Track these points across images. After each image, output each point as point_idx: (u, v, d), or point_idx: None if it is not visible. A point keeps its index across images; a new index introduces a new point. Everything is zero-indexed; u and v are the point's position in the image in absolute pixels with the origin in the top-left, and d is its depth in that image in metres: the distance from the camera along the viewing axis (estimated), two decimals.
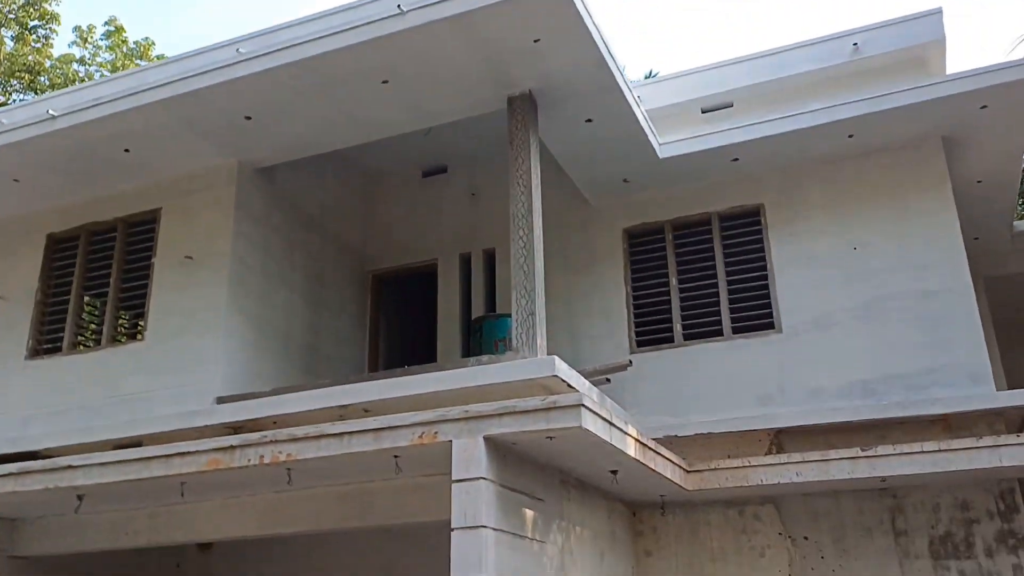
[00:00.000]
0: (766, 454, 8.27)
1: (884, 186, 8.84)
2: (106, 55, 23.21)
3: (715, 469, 7.74)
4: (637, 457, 6.62)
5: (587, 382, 7.50)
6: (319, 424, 6.36)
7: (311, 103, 8.14)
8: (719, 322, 9.02)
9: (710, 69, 11.08)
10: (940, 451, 7.09)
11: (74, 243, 9.51)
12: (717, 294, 9.12)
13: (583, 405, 5.71)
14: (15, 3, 21.73)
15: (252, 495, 7.50)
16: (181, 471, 6.56)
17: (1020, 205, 14.27)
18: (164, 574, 10.01)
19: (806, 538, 8.01)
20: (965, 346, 8.07)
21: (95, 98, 8.42)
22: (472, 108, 8.31)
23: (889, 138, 8.81)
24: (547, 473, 6.79)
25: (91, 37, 23.14)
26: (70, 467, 6.88)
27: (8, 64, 21.04)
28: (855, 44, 10.46)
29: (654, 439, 7.48)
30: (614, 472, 7.05)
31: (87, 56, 23.07)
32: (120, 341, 8.97)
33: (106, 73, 22.06)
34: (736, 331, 8.92)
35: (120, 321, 9.16)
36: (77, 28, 23.05)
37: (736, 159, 9.12)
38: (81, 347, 9.16)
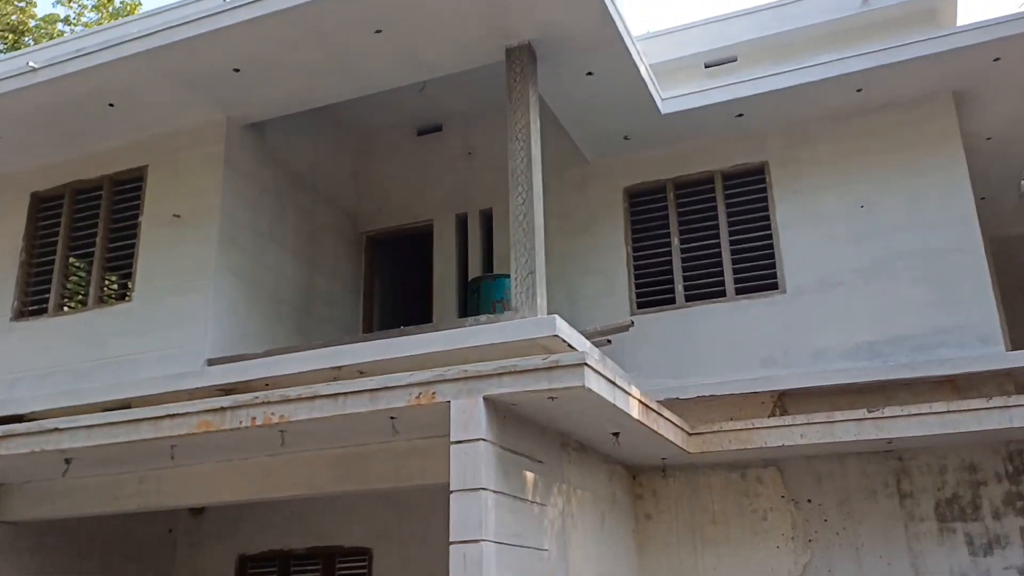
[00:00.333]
0: (769, 416, 8.10)
1: (893, 142, 8.60)
2: (91, 15, 22.72)
3: (717, 431, 7.58)
4: (640, 419, 6.45)
5: (588, 343, 7.31)
6: (313, 385, 6.16)
7: (302, 54, 7.84)
8: (722, 283, 8.82)
9: (714, 22, 10.75)
10: (949, 412, 6.93)
11: (59, 202, 9.24)
12: (720, 254, 8.91)
13: (586, 364, 5.52)
14: None
15: (244, 459, 7.32)
16: (171, 433, 6.36)
17: None
18: (156, 539, 9.87)
19: (809, 501, 7.88)
20: (974, 306, 7.90)
21: (77, 50, 8.11)
22: (469, 60, 8.02)
23: (898, 93, 8.55)
24: (547, 435, 6.61)
25: None
26: (56, 430, 6.67)
27: None
28: None
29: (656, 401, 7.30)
30: (616, 434, 6.88)
31: (72, 16, 22.59)
32: (107, 302, 8.74)
33: None
34: (739, 292, 8.72)
35: (107, 282, 8.90)
36: None
37: (740, 115, 8.87)
38: (67, 308, 8.92)
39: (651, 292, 9.10)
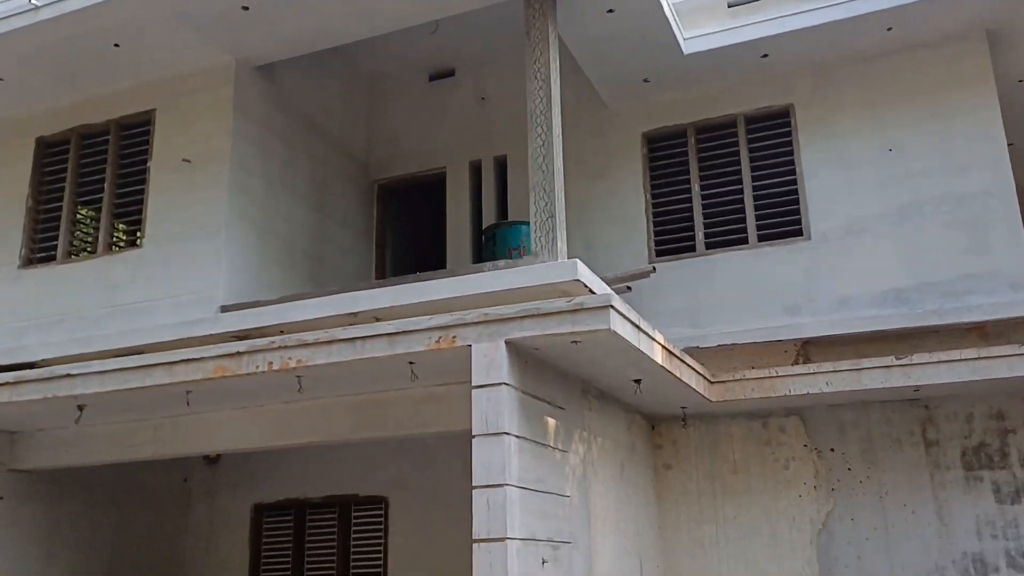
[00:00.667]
0: (792, 365, 7.95)
1: (923, 83, 8.32)
2: None
3: (740, 380, 7.44)
4: (664, 365, 6.30)
5: (609, 289, 7.14)
6: (331, 329, 6.01)
7: None
8: (744, 230, 8.61)
9: None
10: (979, 359, 6.77)
11: (65, 147, 9.03)
12: (742, 200, 8.68)
13: (611, 307, 5.35)
14: None
15: (260, 406, 7.22)
16: (186, 379, 6.23)
17: None
18: (171, 488, 9.85)
19: (832, 450, 7.77)
20: (1005, 252, 7.68)
21: None
22: None
23: (930, 31, 8.25)
24: (568, 382, 6.48)
25: None
26: (68, 376, 6.56)
27: None
28: None
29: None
30: (637, 381, 6.75)
31: None
32: (117, 249, 8.57)
33: None
34: (762, 239, 8.51)
35: (117, 228, 8.73)
36: None
37: (765, 55, 8.58)
38: (76, 255, 8.76)
39: (671, 240, 8.90)
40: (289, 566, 9.56)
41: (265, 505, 9.83)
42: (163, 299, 7.96)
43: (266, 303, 7.65)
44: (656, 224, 9.00)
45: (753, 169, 8.74)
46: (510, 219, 9.59)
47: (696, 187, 8.89)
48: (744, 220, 8.62)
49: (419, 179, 10.57)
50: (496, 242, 8.52)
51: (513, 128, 9.94)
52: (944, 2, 7.87)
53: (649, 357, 6.03)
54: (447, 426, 6.72)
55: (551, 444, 5.97)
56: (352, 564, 9.32)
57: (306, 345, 5.96)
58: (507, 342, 5.48)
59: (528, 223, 8.31)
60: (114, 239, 8.65)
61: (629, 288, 8.01)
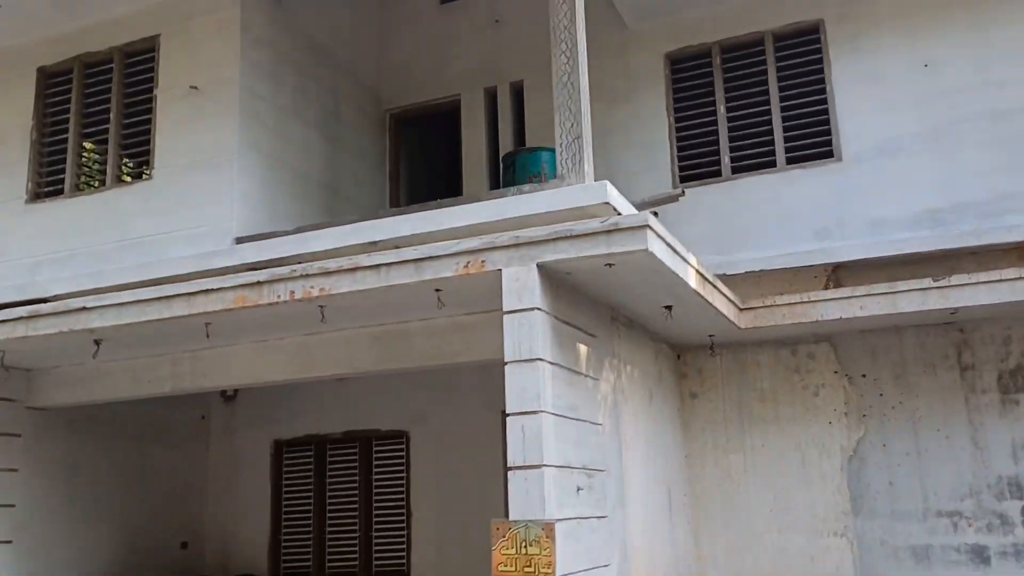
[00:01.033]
0: (823, 290, 7.75)
1: None
2: None
3: (771, 306, 7.24)
4: (697, 289, 6.10)
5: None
6: (354, 256, 5.80)
7: None
8: (772, 152, 8.32)
9: None
10: (1020, 279, 6.55)
11: (68, 77, 8.72)
12: (770, 122, 8.37)
13: (648, 226, 5.13)
14: None
15: (281, 338, 7.06)
16: (205, 310, 6.05)
17: None
18: (189, 425, 9.78)
19: (864, 376, 7.61)
20: None
21: None
22: None
23: None
24: (598, 309, 6.29)
25: None
26: (84, 309, 6.38)
27: None
28: None
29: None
30: (668, 308, 6.55)
31: None
32: (126, 181, 8.33)
33: None
34: (791, 161, 8.23)
35: (124, 160, 8.46)
36: None
37: None
38: (84, 189, 8.53)
39: (696, 164, 8.63)
40: (311, 501, 9.53)
41: (285, 441, 9.77)
42: (176, 231, 7.75)
43: (282, 234, 7.44)
44: (680, 149, 8.72)
45: (781, 89, 8.41)
46: (528, 147, 9.30)
47: (722, 109, 8.58)
48: (772, 142, 8.33)
49: (432, 108, 10.25)
50: (516, 169, 8.23)
51: (530, 52, 9.59)
52: None
53: (683, 281, 5.82)
54: (473, 356, 6.56)
55: (583, 371, 5.81)
56: (375, 498, 9.28)
57: (329, 273, 5.77)
58: (539, 265, 5.27)
59: (549, 149, 8.04)
60: (122, 171, 8.39)
61: (656, 214, 7.74)
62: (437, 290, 5.75)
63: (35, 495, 7.87)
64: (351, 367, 6.89)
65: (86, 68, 8.64)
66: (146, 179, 8.11)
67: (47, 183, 8.61)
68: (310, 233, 7.19)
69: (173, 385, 7.34)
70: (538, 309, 5.22)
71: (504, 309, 5.27)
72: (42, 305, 6.61)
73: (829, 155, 8.11)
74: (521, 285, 5.27)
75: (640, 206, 7.34)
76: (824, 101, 8.23)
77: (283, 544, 9.57)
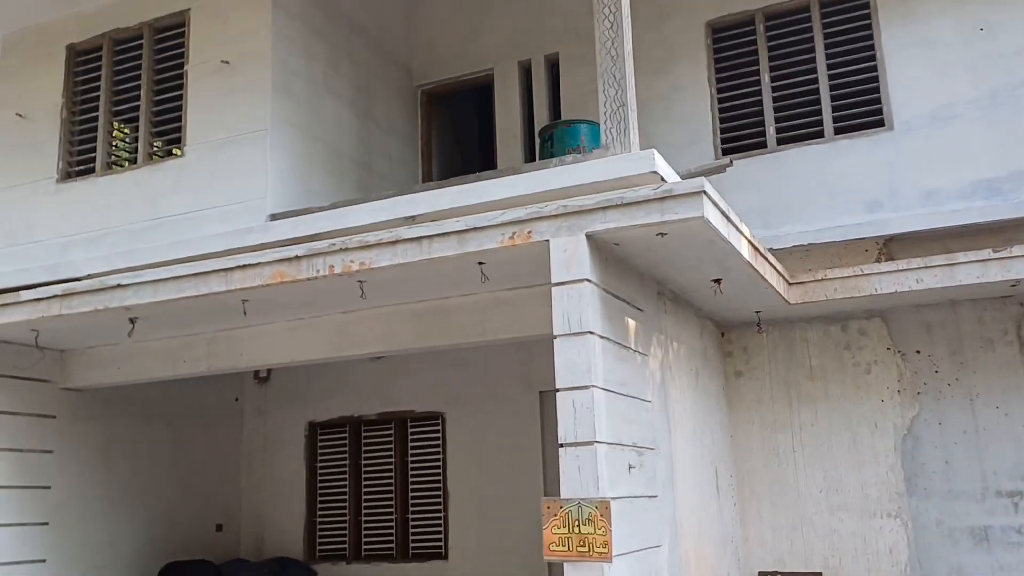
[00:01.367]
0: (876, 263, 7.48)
1: None
2: None
3: (821, 280, 6.98)
4: (750, 261, 5.87)
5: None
6: (395, 228, 5.62)
7: None
8: (819, 122, 8.03)
9: None
10: None
11: (97, 54, 8.60)
12: (817, 91, 8.08)
13: (704, 192, 4.91)
14: None
15: (317, 316, 6.92)
16: (242, 286, 5.90)
17: None
18: (223, 407, 9.69)
19: (918, 352, 7.35)
20: None
21: None
22: None
23: None
24: (644, 283, 6.08)
25: None
26: (120, 286, 6.25)
27: None
28: None
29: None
30: (717, 281, 6.33)
31: None
32: (158, 158, 8.20)
33: None
34: (839, 131, 7.95)
35: (156, 137, 8.32)
36: None
37: None
38: (116, 167, 8.41)
39: (739, 136, 8.36)
40: (346, 483, 9.42)
41: (319, 423, 9.65)
42: (209, 209, 7.62)
43: (318, 209, 7.28)
44: (723, 120, 8.45)
45: (828, 57, 8.11)
46: (566, 120, 9.06)
47: (766, 79, 8.30)
48: (819, 112, 8.04)
49: (464, 83, 10.03)
50: (554, 142, 8.01)
51: (565, 23, 9.37)
52: None
53: (736, 252, 5.59)
54: (515, 333, 6.39)
55: (632, 346, 5.61)
56: (411, 480, 9.15)
57: (369, 247, 5.59)
58: (588, 235, 5.07)
59: (587, 122, 7.85)
60: (154, 148, 8.26)
61: None
62: (480, 263, 5.56)
63: (70, 477, 7.80)
64: (389, 345, 6.73)
65: (116, 45, 8.52)
66: (178, 156, 7.98)
67: (78, 162, 8.50)
68: (346, 208, 7.02)
69: (209, 365, 7.22)
70: (588, 280, 5.02)
71: (552, 281, 5.08)
72: (77, 283, 6.50)
73: (879, 124, 7.82)
74: (570, 256, 5.07)
75: (686, 176, 7.09)
76: (874, 68, 7.93)
77: (318, 526, 9.47)
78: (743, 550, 7.50)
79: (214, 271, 5.97)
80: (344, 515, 9.35)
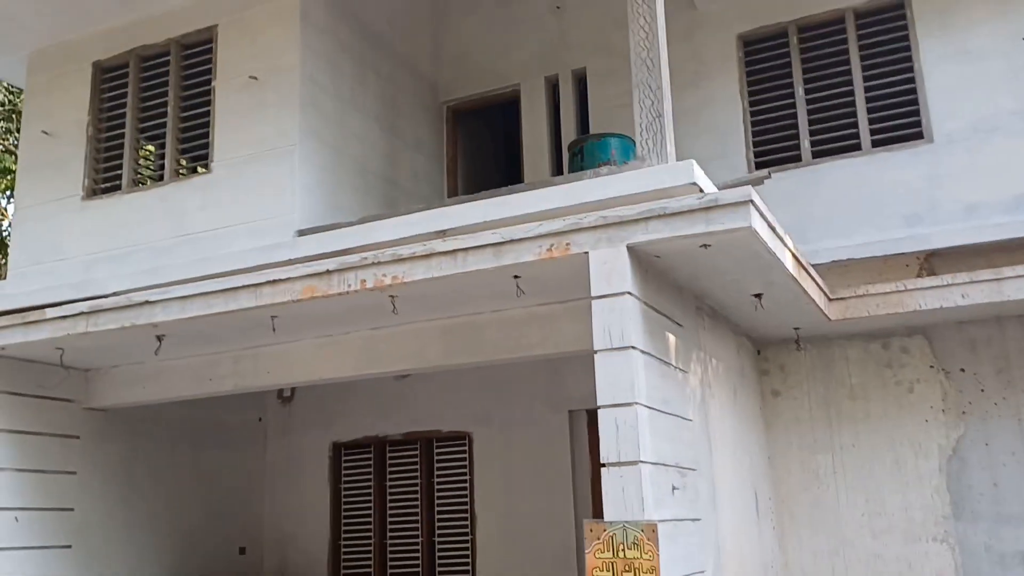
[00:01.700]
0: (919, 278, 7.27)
1: None
2: None
3: (863, 296, 6.78)
4: (793, 274, 5.69)
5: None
6: (428, 242, 5.49)
7: None
8: (856, 135, 7.87)
9: None
10: None
11: (124, 71, 8.55)
12: (853, 103, 7.93)
13: (752, 202, 4.74)
14: None
15: (346, 333, 6.78)
16: (272, 301, 5.77)
17: None
18: (246, 428, 9.55)
19: (962, 370, 7.12)
20: None
21: None
22: None
23: None
24: (684, 297, 5.91)
25: None
26: (148, 303, 6.14)
27: None
28: None
29: None
30: (758, 296, 6.15)
31: None
32: (184, 175, 8.12)
33: None
34: (877, 144, 7.78)
35: (182, 154, 8.24)
36: None
37: None
38: (142, 184, 8.34)
39: (773, 149, 8.21)
40: (371, 505, 9.23)
41: (343, 443, 9.48)
42: (236, 225, 7.52)
43: (346, 225, 7.16)
44: (755, 134, 8.30)
45: (864, 68, 7.96)
46: (596, 134, 8.93)
47: (800, 91, 8.15)
48: (856, 124, 7.88)
49: (490, 99, 9.94)
50: (584, 156, 7.86)
51: (592, 38, 9.28)
52: None
53: (781, 265, 5.42)
54: (549, 349, 6.22)
55: (673, 363, 5.43)
56: (437, 501, 8.95)
57: (402, 260, 5.46)
58: (629, 247, 4.91)
59: (618, 135, 7.70)
60: (180, 165, 8.18)
61: None
62: (516, 277, 5.41)
63: (93, 498, 7.67)
64: (419, 362, 6.57)
65: (142, 61, 8.48)
66: (205, 173, 7.90)
67: (104, 179, 8.44)
68: (375, 223, 6.90)
69: (235, 383, 7.09)
70: (629, 294, 4.86)
71: (592, 294, 4.92)
72: (104, 300, 6.39)
73: (919, 136, 7.65)
74: (610, 268, 4.91)
75: (723, 188, 6.93)
76: (912, 80, 7.78)
77: (343, 549, 9.27)
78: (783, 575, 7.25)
79: (243, 287, 5.85)
80: (369, 537, 9.16)
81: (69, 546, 7.38)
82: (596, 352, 4.82)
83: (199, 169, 8.07)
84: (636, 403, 4.68)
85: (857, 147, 7.83)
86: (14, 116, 21.48)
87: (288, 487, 9.55)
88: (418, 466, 9.11)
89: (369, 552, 9.13)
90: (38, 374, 7.24)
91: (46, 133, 8.60)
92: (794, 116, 8.15)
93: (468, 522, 8.74)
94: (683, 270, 5.51)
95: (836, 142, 7.94)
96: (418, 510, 9.01)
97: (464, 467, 8.88)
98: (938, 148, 7.53)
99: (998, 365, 7.01)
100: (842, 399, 7.44)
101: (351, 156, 8.11)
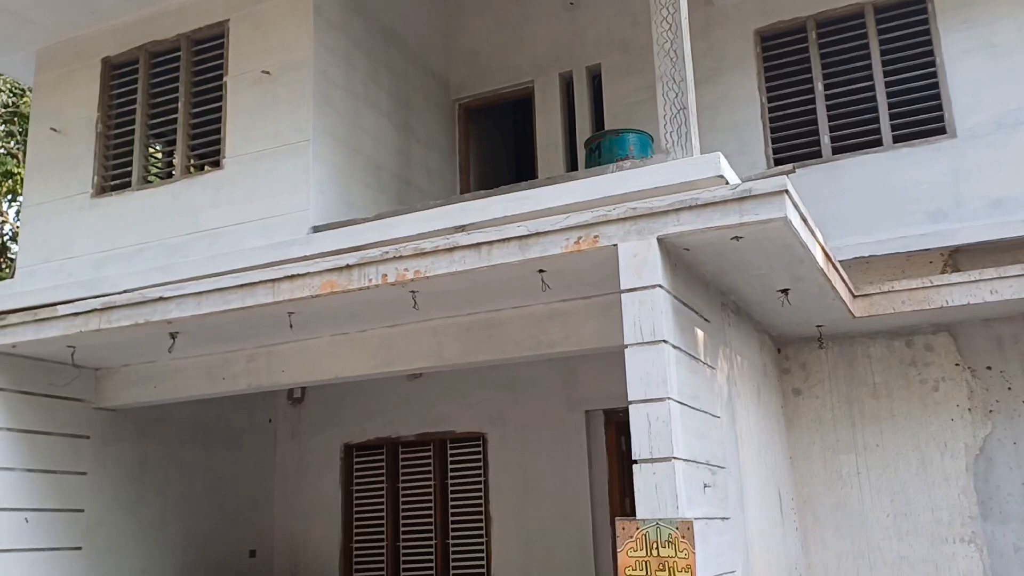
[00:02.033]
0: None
1: None
2: None
3: (888, 292, 6.67)
4: (823, 268, 5.57)
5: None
6: (451, 235, 5.37)
7: None
8: (877, 130, 7.76)
9: None
10: None
11: (134, 67, 8.43)
12: (874, 98, 7.82)
13: (787, 192, 4.64)
14: None
15: (362, 331, 6.66)
16: (290, 297, 5.66)
17: None
18: (256, 430, 9.42)
19: (989, 368, 7.00)
20: None
21: None
22: None
23: None
24: (710, 292, 5.79)
25: None
26: (161, 299, 6.03)
27: None
28: None
29: None
30: (785, 292, 6.03)
31: None
32: (196, 171, 7.99)
33: None
34: (898, 139, 7.67)
35: (194, 150, 8.11)
36: None
37: None
38: (153, 181, 8.22)
39: (792, 146, 8.09)
40: (383, 507, 9.10)
41: (355, 445, 9.35)
42: (249, 222, 7.39)
43: (362, 221, 7.04)
44: (774, 130, 8.19)
45: (885, 63, 7.86)
46: (614, 129, 8.82)
47: (819, 86, 8.05)
48: (877, 120, 7.77)
49: (503, 96, 9.82)
50: (602, 153, 7.74)
51: (607, 34, 9.18)
52: None
53: (812, 257, 5.31)
54: (572, 346, 6.11)
55: (701, 359, 5.31)
56: (451, 503, 8.82)
57: (424, 254, 5.34)
58: (659, 239, 4.80)
59: (636, 131, 7.57)
60: (191, 161, 8.06)
61: None
62: (541, 271, 5.30)
63: (104, 499, 7.54)
64: (438, 360, 6.45)
65: (152, 57, 8.35)
66: (216, 169, 7.77)
67: (114, 176, 8.31)
68: (392, 219, 6.77)
69: (249, 382, 6.97)
70: (660, 287, 4.74)
71: (622, 287, 4.80)
72: (117, 296, 6.26)
73: (941, 131, 7.54)
74: (640, 261, 4.80)
75: (747, 180, 6.82)
76: (933, 74, 7.67)
77: (355, 551, 9.13)
78: None
79: (261, 282, 5.73)
80: (382, 540, 9.02)
81: (79, 548, 7.25)
82: (627, 347, 4.70)
83: (213, 165, 7.94)
84: (669, 398, 4.56)
85: (878, 143, 7.72)
86: (16, 119, 21.37)
87: (299, 489, 9.42)
88: (431, 467, 8.97)
89: (382, 555, 8.99)
90: (48, 373, 7.12)
91: (55, 130, 8.48)
92: (813, 112, 8.04)
93: (483, 524, 8.61)
94: (711, 264, 5.40)
95: (857, 138, 7.83)
96: (431, 512, 8.88)
97: (479, 468, 8.75)
98: (961, 143, 7.42)
99: None
100: (865, 398, 7.32)
101: (364, 153, 7.99)
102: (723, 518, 5.17)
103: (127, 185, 8.18)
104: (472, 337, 6.32)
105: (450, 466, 8.91)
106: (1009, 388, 6.91)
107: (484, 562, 8.53)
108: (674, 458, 4.49)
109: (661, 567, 4.33)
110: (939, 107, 7.59)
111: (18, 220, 22.09)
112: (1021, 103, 7.29)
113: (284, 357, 6.89)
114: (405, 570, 8.89)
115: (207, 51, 8.10)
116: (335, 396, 9.35)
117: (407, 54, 9.05)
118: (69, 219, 8.26)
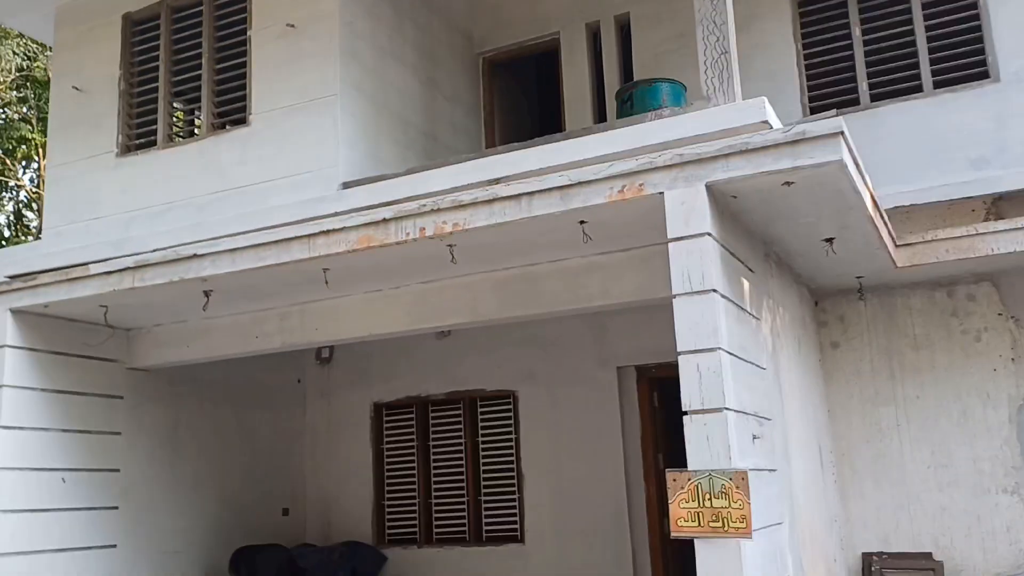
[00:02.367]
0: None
1: None
2: None
3: (931, 241, 6.53)
4: (871, 215, 5.44)
5: None
6: (490, 187, 5.26)
7: None
8: (917, 76, 7.55)
9: None
10: None
11: (155, 23, 8.27)
12: (914, 43, 7.60)
13: (843, 134, 4.49)
14: None
15: (396, 287, 6.58)
16: (326, 252, 5.57)
17: None
18: (286, 389, 9.41)
19: None
20: None
21: None
22: None
23: None
24: (754, 242, 5.67)
25: None
26: (196, 256, 5.95)
27: None
28: None
29: None
30: (830, 240, 5.90)
31: None
32: (222, 128, 7.88)
33: None
34: (939, 85, 7.46)
35: (219, 107, 7.98)
36: None
37: None
38: (178, 139, 8.12)
39: (829, 93, 7.88)
40: (414, 466, 9.10)
41: (384, 404, 9.33)
42: (278, 179, 7.29)
43: (392, 176, 6.93)
44: (810, 78, 7.98)
45: (925, 6, 7.62)
46: (646, 79, 8.62)
47: (857, 31, 7.82)
48: (917, 65, 7.56)
49: (528, 49, 9.62)
50: (634, 103, 7.56)
51: None
52: None
53: (862, 204, 5.17)
54: (611, 299, 6.01)
55: (748, 309, 5.21)
56: (483, 461, 8.81)
57: (463, 206, 5.23)
58: (708, 186, 4.67)
59: (669, 80, 7.41)
60: (217, 118, 7.94)
61: None
62: (582, 222, 5.18)
63: (138, 459, 7.55)
64: (473, 316, 6.37)
65: (174, 12, 8.20)
66: (242, 126, 7.65)
67: (138, 135, 8.21)
68: (425, 173, 6.66)
69: (283, 340, 6.92)
70: (709, 235, 4.62)
71: (669, 236, 4.69)
72: (150, 254, 6.19)
73: (984, 76, 7.33)
74: (688, 208, 4.67)
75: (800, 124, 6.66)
76: (976, 17, 7.43)
77: (387, 510, 9.16)
78: (845, 530, 7.08)
79: (296, 237, 5.64)
80: (414, 498, 9.04)
81: (116, 507, 7.27)
82: (675, 297, 4.60)
83: (240, 121, 7.80)
84: (720, 348, 4.47)
85: (919, 89, 7.52)
86: (29, 83, 21.22)
87: (329, 448, 9.42)
88: (462, 426, 8.95)
89: (414, 513, 9.01)
90: (81, 333, 7.08)
91: (77, 89, 8.36)
92: (851, 59, 7.83)
93: (515, 482, 8.59)
94: (757, 212, 5.27)
95: (896, 84, 7.62)
96: (463, 470, 8.87)
97: (509, 426, 8.72)
98: (1005, 87, 7.21)
99: None
100: (905, 350, 7.22)
101: (391, 108, 7.85)
102: (771, 470, 5.11)
103: (152, 144, 8.08)
104: (508, 292, 6.23)
105: (480, 424, 8.89)
106: None
107: (517, 519, 8.53)
108: (725, 408, 4.41)
109: (715, 518, 4.28)
110: (981, 51, 7.37)
111: (33, 186, 22.06)
112: None
113: (317, 315, 6.83)
114: (437, 528, 8.92)
115: (230, 4, 7.93)
116: (363, 356, 9.31)
117: (431, 6, 8.86)
118: (95, 179, 8.18)
